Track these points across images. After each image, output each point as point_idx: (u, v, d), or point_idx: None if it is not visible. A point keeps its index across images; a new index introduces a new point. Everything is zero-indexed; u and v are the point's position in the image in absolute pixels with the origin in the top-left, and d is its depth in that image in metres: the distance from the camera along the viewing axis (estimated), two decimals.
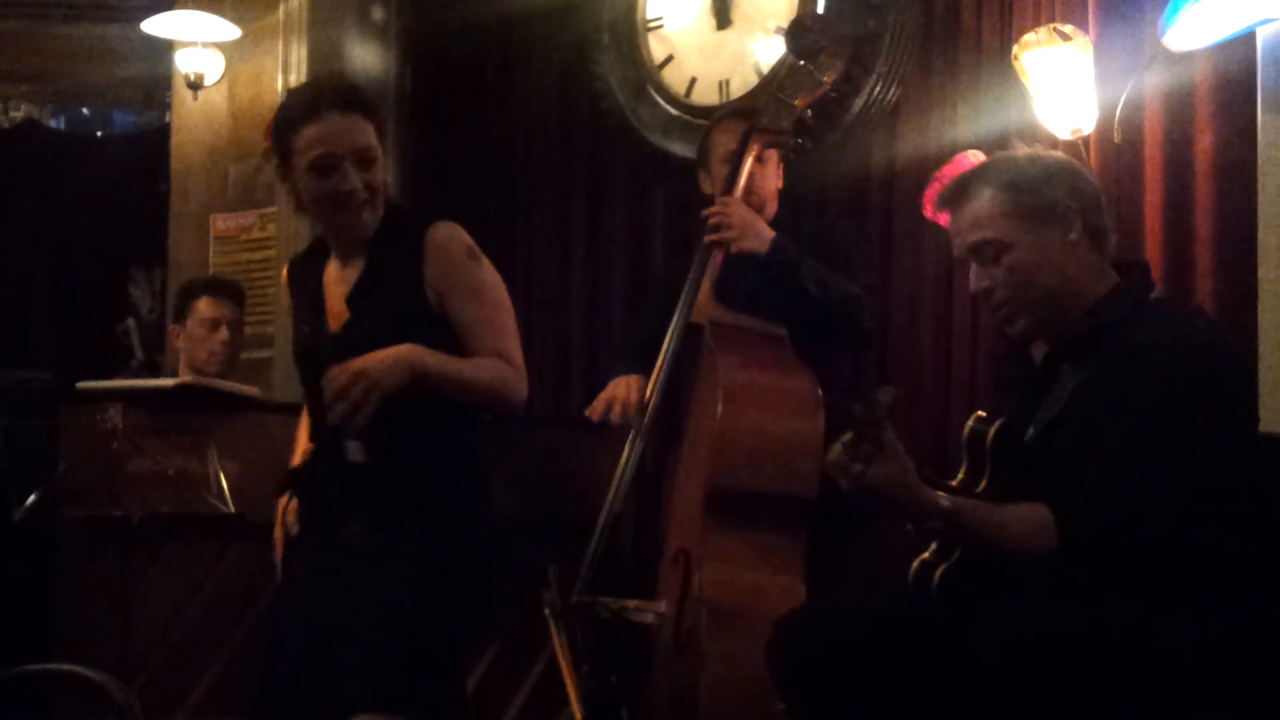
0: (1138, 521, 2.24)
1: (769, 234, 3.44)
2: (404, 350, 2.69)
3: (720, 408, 3.17)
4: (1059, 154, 2.66)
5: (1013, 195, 2.48)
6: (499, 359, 2.80)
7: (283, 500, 3.02)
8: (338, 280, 2.89)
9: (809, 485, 3.18)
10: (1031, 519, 2.32)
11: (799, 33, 3.64)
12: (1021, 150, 2.61)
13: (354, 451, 2.77)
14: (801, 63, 3.52)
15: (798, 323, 3.43)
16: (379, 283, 2.83)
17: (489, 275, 2.87)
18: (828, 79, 3.53)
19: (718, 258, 3.48)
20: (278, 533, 3.02)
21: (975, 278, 2.55)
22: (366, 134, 2.80)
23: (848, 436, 2.33)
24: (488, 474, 2.93)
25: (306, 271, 2.97)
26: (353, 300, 2.85)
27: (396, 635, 2.69)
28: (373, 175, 2.80)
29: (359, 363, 2.65)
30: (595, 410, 3.53)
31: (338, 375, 2.63)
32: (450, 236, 2.84)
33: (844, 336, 3.58)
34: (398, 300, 2.80)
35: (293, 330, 3.01)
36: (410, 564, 2.73)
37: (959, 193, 2.56)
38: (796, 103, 3.48)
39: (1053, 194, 2.47)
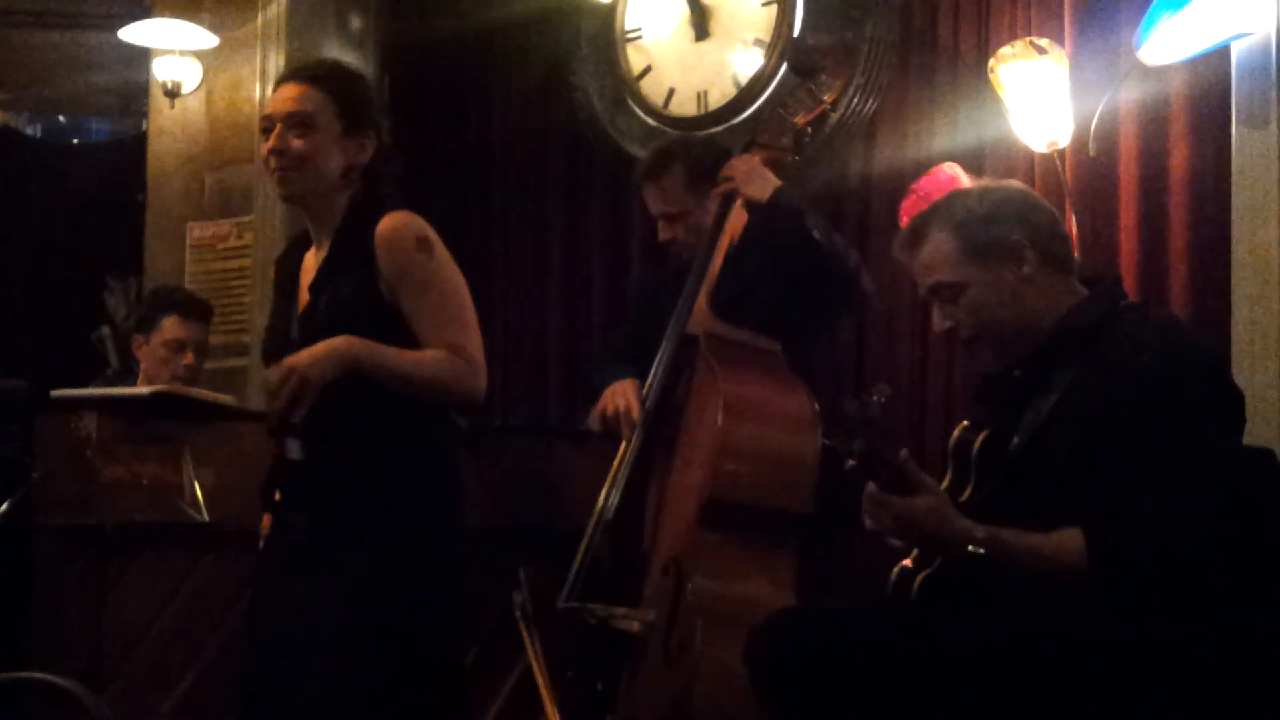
0: (1172, 545, 2.23)
1: (775, 182, 3.45)
2: (336, 343, 2.64)
3: (721, 419, 3.15)
4: (1011, 184, 2.67)
5: (963, 235, 2.49)
6: (449, 352, 2.74)
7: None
8: (310, 268, 2.87)
9: (805, 500, 3.17)
10: (1064, 546, 2.29)
11: (801, 52, 3.68)
12: (973, 184, 2.63)
13: (293, 449, 2.74)
14: (803, 81, 3.56)
15: (797, 278, 3.44)
16: (337, 272, 2.80)
17: (440, 266, 2.79)
18: (828, 98, 3.58)
19: (724, 240, 3.49)
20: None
21: (938, 318, 2.56)
22: (306, 101, 2.78)
23: (849, 464, 2.34)
24: (450, 478, 2.88)
25: (289, 261, 2.95)
26: (313, 288, 2.82)
27: (334, 656, 2.66)
28: (305, 143, 2.77)
29: (290, 359, 2.62)
30: (594, 421, 3.52)
31: (271, 373, 2.63)
32: (399, 226, 2.77)
33: (840, 297, 3.57)
34: (352, 290, 2.76)
35: (268, 318, 3.00)
36: (355, 577, 2.69)
37: (914, 237, 2.57)
38: (797, 120, 3.52)
39: (1002, 230, 2.48)
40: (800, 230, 3.40)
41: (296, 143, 2.77)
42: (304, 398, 2.59)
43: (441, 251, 2.81)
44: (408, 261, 2.75)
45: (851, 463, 2.34)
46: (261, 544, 2.97)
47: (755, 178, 3.44)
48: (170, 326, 4.36)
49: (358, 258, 2.77)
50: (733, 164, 3.49)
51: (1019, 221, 2.49)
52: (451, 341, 2.75)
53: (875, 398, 2.31)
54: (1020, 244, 2.47)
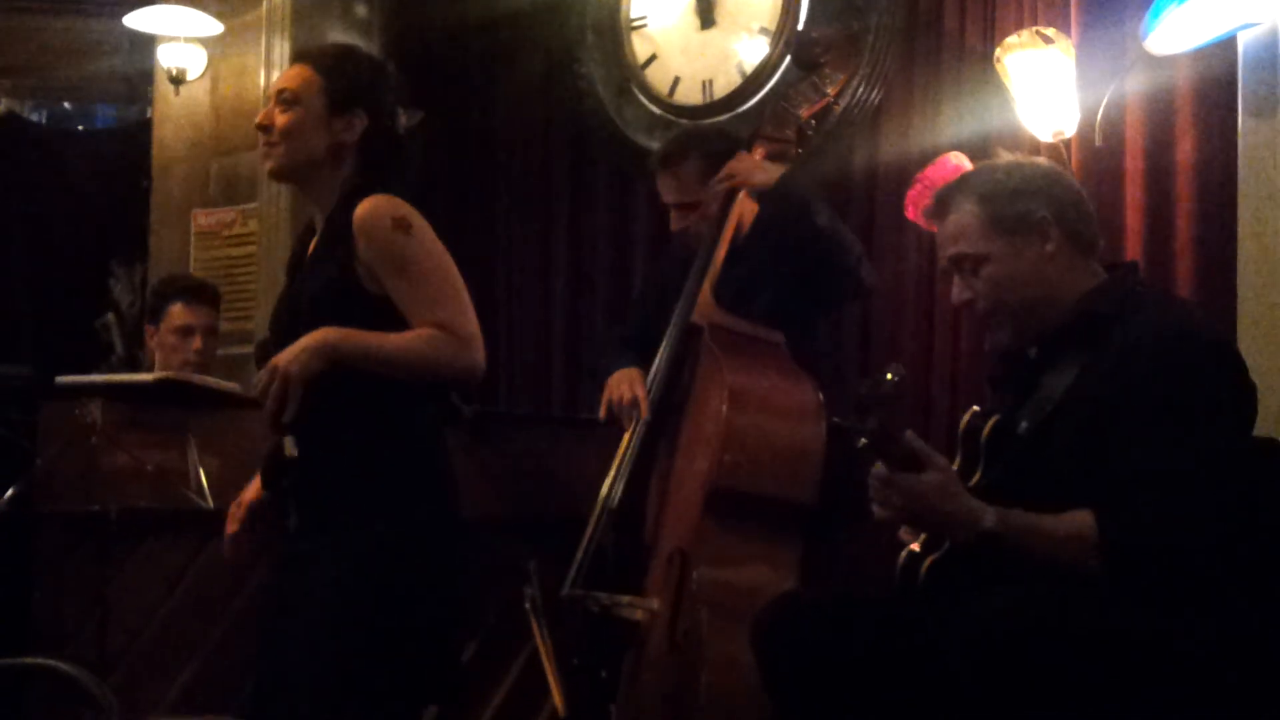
0: (1178, 541, 2.23)
1: (780, 169, 3.46)
2: (316, 336, 2.64)
3: (725, 409, 3.15)
4: (1040, 161, 2.66)
5: (989, 208, 2.49)
6: (437, 328, 2.70)
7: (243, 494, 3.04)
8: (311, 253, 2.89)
9: (810, 490, 3.17)
10: (1076, 528, 2.28)
11: (804, 45, 3.70)
12: (1003, 158, 2.62)
13: (290, 446, 2.74)
14: (806, 74, 3.58)
15: (800, 264, 3.46)
16: (320, 257, 2.80)
17: (420, 244, 2.75)
18: (831, 90, 3.60)
19: (728, 231, 3.49)
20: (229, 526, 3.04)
21: (957, 290, 2.56)
22: (295, 78, 2.82)
23: (862, 442, 2.32)
24: (443, 469, 2.86)
25: (300, 243, 2.96)
26: (300, 272, 2.85)
27: (332, 653, 2.66)
28: (287, 118, 2.80)
29: (274, 360, 2.64)
30: (605, 413, 3.53)
31: (260, 377, 2.64)
32: (373, 211, 2.73)
33: (839, 287, 3.60)
34: (331, 277, 2.74)
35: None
36: (351, 572, 2.68)
37: (940, 206, 2.57)
38: (801, 112, 3.54)
39: (1028, 205, 2.48)
40: (806, 217, 3.41)
41: (280, 118, 2.80)
42: (290, 395, 2.60)
43: (421, 229, 2.76)
44: (385, 243, 2.71)
45: (864, 441, 2.31)
46: (231, 529, 3.04)
47: (758, 170, 3.45)
48: (177, 313, 4.35)
49: (337, 243, 2.76)
50: (732, 164, 3.50)
51: (1047, 198, 2.49)
52: (438, 318, 2.70)
53: (890, 376, 2.28)
54: (1046, 221, 2.47)
